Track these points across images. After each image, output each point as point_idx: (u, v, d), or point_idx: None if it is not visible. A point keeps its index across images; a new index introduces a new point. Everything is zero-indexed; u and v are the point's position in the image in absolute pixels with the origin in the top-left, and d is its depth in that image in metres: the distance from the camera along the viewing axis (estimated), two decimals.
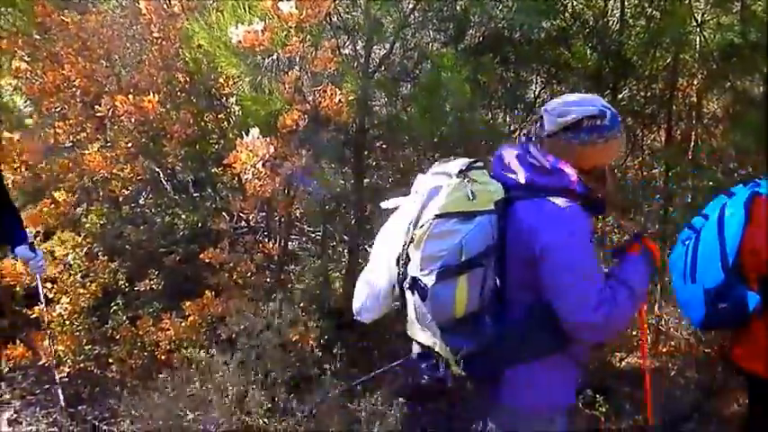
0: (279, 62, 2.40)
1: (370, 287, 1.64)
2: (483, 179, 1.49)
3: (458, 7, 3.58)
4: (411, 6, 3.36)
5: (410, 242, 1.48)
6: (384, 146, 3.88)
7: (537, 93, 4.03)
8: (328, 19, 2.96)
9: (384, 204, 1.76)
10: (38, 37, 3.75)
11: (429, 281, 1.43)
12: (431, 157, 3.99)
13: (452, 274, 1.42)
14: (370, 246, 4.82)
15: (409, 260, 1.49)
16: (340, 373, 3.51)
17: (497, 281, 1.53)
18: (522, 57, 3.66)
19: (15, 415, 3.33)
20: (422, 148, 3.79)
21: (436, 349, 1.54)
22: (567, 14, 3.78)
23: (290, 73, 2.42)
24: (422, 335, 1.57)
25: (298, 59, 2.41)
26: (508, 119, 4.31)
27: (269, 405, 3.13)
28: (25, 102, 3.79)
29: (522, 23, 3.51)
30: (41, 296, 2.69)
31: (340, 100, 2.44)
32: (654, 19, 3.72)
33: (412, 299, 1.50)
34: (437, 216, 1.43)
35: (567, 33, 3.69)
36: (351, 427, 3.09)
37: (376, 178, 4.27)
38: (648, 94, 4.03)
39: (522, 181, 1.52)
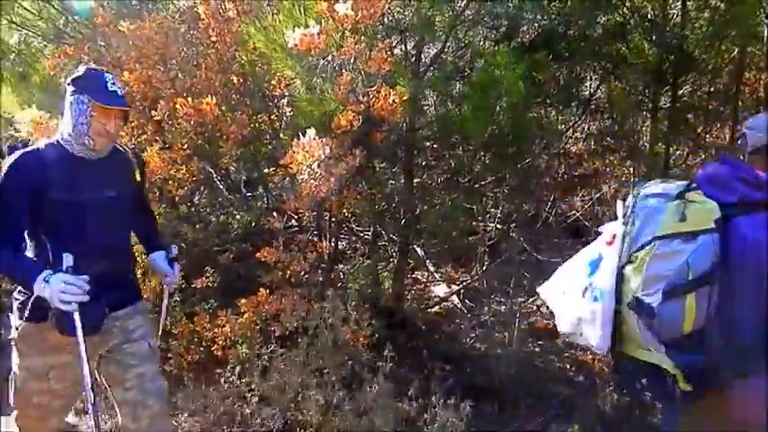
0: (333, 63, 2.42)
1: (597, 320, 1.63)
2: (700, 199, 1.54)
3: (510, 4, 3.53)
4: (463, 4, 3.33)
5: (627, 263, 1.55)
6: (435, 145, 3.86)
7: (592, 90, 3.92)
8: (381, 19, 2.96)
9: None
10: (101, 44, 3.91)
11: (654, 300, 1.48)
12: (482, 157, 3.95)
13: (680, 293, 1.47)
14: (419, 246, 4.84)
15: (623, 281, 1.55)
16: (390, 373, 3.52)
17: (721, 297, 1.54)
18: (577, 53, 3.57)
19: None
20: (473, 147, 3.75)
21: (663, 366, 1.56)
22: (624, 8, 3.67)
23: (344, 74, 2.43)
24: (641, 352, 1.60)
25: (352, 60, 2.42)
26: (562, 117, 4.22)
27: (322, 402, 3.17)
28: None
29: (578, 19, 3.43)
30: (164, 311, 2.45)
31: (393, 100, 2.44)
32: (719, 11, 3.56)
33: (631, 318, 1.55)
34: (659, 237, 1.50)
35: (624, 28, 3.57)
36: (404, 427, 3.08)
37: (426, 178, 4.26)
38: (712, 89, 3.87)
39: (738, 198, 1.55)
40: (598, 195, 4.53)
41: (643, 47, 3.55)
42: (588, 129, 4.35)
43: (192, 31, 3.70)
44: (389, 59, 2.41)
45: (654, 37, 3.58)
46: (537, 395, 3.65)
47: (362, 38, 2.32)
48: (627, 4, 3.65)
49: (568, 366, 4.06)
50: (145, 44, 3.53)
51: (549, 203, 4.80)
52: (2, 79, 3.85)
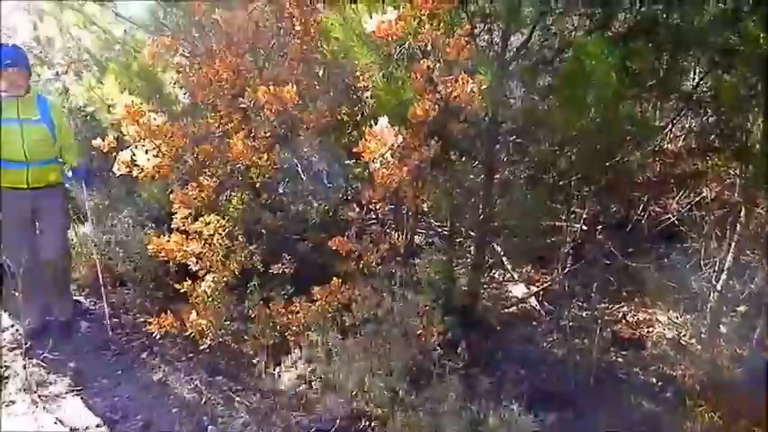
0: (411, 51, 2.36)
1: None
2: None
3: None
4: None
5: None
6: (518, 139, 3.70)
7: (696, 82, 3.59)
8: (464, 6, 2.87)
9: None
10: (196, 35, 4.09)
11: None
12: (568, 153, 3.75)
13: None
14: (498, 243, 4.70)
15: None
16: (461, 372, 3.43)
17: None
18: (680, 42, 3.27)
19: (163, 378, 3.66)
20: (559, 142, 3.57)
21: None
22: None
23: (421, 62, 2.37)
24: None
25: (430, 48, 2.35)
26: (660, 112, 3.91)
27: (389, 395, 3.15)
28: (184, 93, 4.13)
29: (683, 4, 3.15)
30: None
31: (472, 89, 2.34)
32: None
33: None
34: None
35: (736, 14, 3.23)
36: (471, 428, 2.99)
37: (507, 173, 4.11)
38: None
39: None
40: (698, 199, 4.17)
41: (757, 35, 3.19)
42: (689, 125, 4.00)
43: (279, 22, 3.78)
44: (469, 47, 2.32)
45: None
46: (617, 408, 3.44)
47: (440, 24, 2.25)
48: None
49: (654, 380, 3.78)
50: (236, 33, 3.65)
51: (641, 205, 4.49)
52: (107, 68, 4.12)
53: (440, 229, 4.67)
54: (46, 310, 4.04)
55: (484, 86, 2.36)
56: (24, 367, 3.50)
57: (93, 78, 4.14)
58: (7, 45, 3.88)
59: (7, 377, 3.44)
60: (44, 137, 3.74)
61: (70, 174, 3.95)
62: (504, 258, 4.98)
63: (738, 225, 3.69)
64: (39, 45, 6.88)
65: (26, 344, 3.64)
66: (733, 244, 3.74)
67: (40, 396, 3.32)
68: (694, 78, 3.62)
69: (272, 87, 2.95)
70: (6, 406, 3.20)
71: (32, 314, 3.86)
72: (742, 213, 3.66)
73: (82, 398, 3.36)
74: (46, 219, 3.87)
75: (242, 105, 3.53)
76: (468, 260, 4.34)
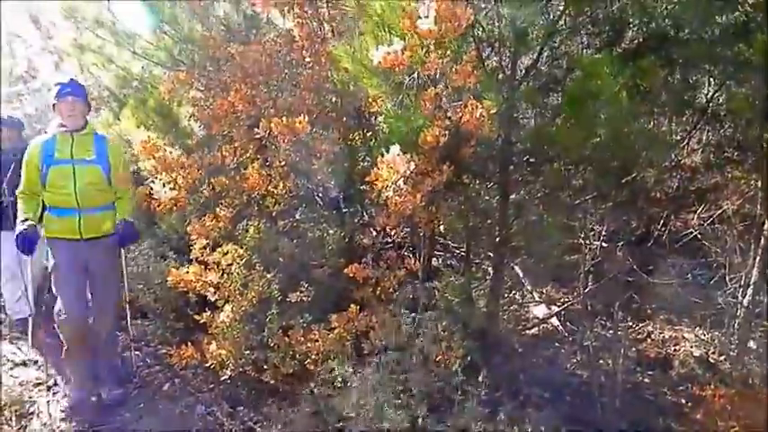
0: (419, 79, 2.39)
1: None
2: None
3: (614, 8, 3.31)
4: (560, 11, 3.17)
5: None
6: (531, 160, 3.69)
7: (710, 96, 3.55)
8: (471, 32, 2.89)
9: None
10: (211, 68, 4.18)
11: None
12: (582, 171, 3.72)
13: None
14: (516, 264, 4.65)
15: None
16: (482, 397, 3.38)
17: None
18: (690, 57, 3.25)
19: (186, 410, 3.66)
20: (571, 161, 3.54)
21: None
22: (747, 5, 3.30)
23: (429, 90, 2.39)
24: None
25: (437, 75, 2.37)
26: (674, 127, 3.88)
27: (409, 422, 3.11)
28: (200, 126, 4.21)
29: (691, 19, 3.14)
30: None
31: (481, 114, 2.35)
32: None
33: None
34: None
35: (747, 26, 3.21)
36: None
37: (522, 194, 4.09)
38: None
39: None
40: (719, 212, 4.10)
41: None
42: (706, 139, 3.96)
43: (291, 53, 3.85)
44: (476, 72, 2.33)
45: None
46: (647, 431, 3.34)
47: (447, 52, 2.27)
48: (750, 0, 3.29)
49: (684, 401, 3.68)
50: (250, 65, 3.73)
51: (661, 221, 4.42)
52: (125, 104, 4.22)
53: (457, 252, 4.64)
54: (94, 383, 3.62)
55: (493, 111, 2.37)
56: (48, 403, 3.54)
57: (111, 115, 4.24)
58: (69, 79, 3.67)
59: (32, 413, 3.48)
60: (98, 179, 3.42)
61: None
62: (523, 279, 4.93)
63: (762, 238, 3.61)
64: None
65: (48, 381, 3.70)
66: (758, 257, 3.66)
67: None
68: (708, 92, 3.59)
69: (284, 118, 2.99)
70: None
71: (78, 384, 3.54)
72: (765, 226, 3.58)
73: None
74: (99, 276, 3.50)
75: (257, 136, 3.59)
76: (487, 282, 4.30)
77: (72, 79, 3.53)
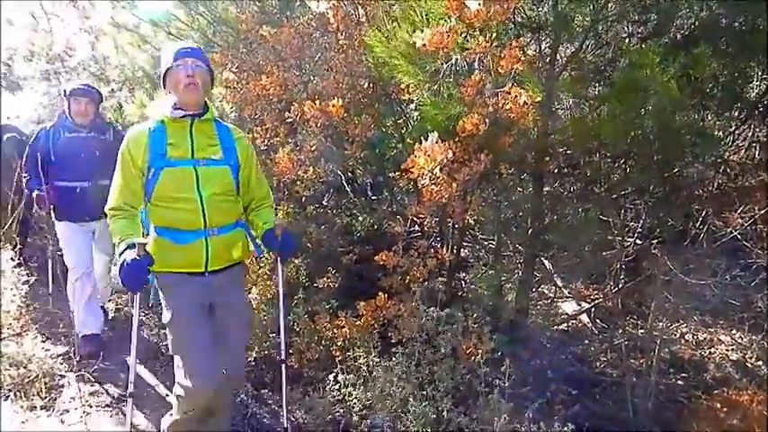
0: (458, 65, 2.31)
1: None
2: None
3: None
4: None
5: None
6: (569, 151, 3.58)
7: (762, 89, 3.39)
8: (513, 17, 2.80)
9: None
10: (244, 50, 4.16)
11: None
12: (622, 165, 3.61)
13: None
14: (547, 258, 4.55)
15: None
16: (509, 391, 3.32)
17: None
18: (743, 47, 3.10)
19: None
20: (612, 154, 3.43)
21: None
22: None
23: (472, 76, 2.31)
24: None
25: (479, 61, 2.29)
26: (721, 121, 3.71)
27: (434, 415, 3.07)
28: (232, 108, 4.20)
29: (746, 8, 2.98)
30: None
31: (525, 102, 2.27)
32: None
33: None
34: None
35: None
36: None
37: (557, 186, 3.99)
38: None
39: None
40: (763, 211, 3.93)
41: None
42: (754, 135, 3.79)
43: (325, 36, 3.80)
44: (522, 59, 2.24)
45: None
46: None
47: (492, 36, 2.18)
48: None
49: (719, 406, 3.56)
50: (283, 48, 3.69)
51: (701, 219, 4.27)
52: (156, 85, 4.23)
53: (486, 243, 4.56)
54: None
55: (537, 99, 2.29)
56: (77, 379, 3.59)
57: (145, 96, 4.25)
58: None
59: (62, 386, 3.53)
60: (228, 187, 2.41)
61: (261, 245, 2.62)
62: (553, 274, 4.83)
63: None
64: (96, 63, 7.20)
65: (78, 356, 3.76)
66: None
67: (91, 405, 3.39)
68: (759, 85, 3.42)
69: (317, 101, 2.94)
70: (60, 414, 3.27)
71: None
72: None
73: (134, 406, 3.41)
74: (230, 321, 2.50)
75: (288, 119, 3.56)
76: (517, 275, 4.22)
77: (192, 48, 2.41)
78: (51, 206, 3.90)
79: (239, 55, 4.10)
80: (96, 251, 4.07)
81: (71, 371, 3.68)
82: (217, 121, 2.47)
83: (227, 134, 2.46)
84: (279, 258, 2.73)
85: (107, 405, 3.42)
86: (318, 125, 3.07)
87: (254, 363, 3.70)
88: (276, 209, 3.90)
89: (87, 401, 3.40)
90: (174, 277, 2.39)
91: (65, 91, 4.00)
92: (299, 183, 3.75)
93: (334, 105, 2.87)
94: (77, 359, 3.82)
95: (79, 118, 3.92)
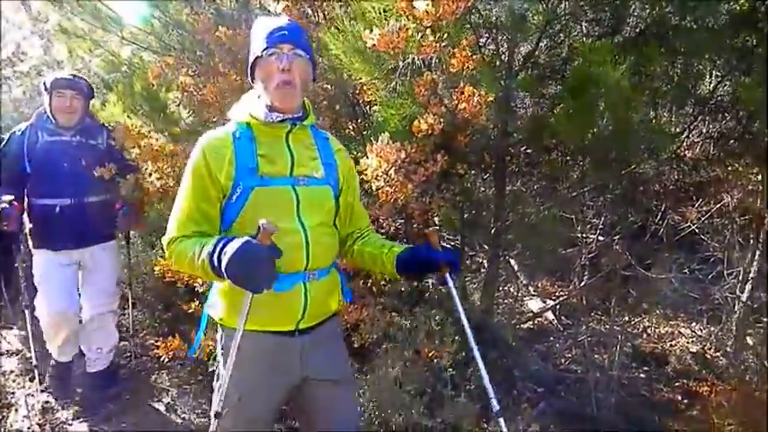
0: (412, 66, 2.29)
1: None
2: None
3: None
4: None
5: None
6: (528, 150, 3.60)
7: (713, 86, 3.46)
8: (468, 17, 2.79)
9: None
10: (201, 54, 4.06)
11: None
12: (580, 163, 3.64)
13: None
14: (512, 257, 4.57)
15: None
16: (476, 392, 3.32)
17: None
18: (694, 45, 3.16)
19: (172, 402, 3.59)
20: (570, 152, 3.46)
21: None
22: None
23: (425, 75, 2.30)
24: None
25: (433, 61, 2.27)
26: (676, 118, 3.79)
27: (400, 420, 3.04)
28: (189, 113, 4.10)
29: (696, 7, 3.04)
30: None
31: (478, 101, 2.26)
32: None
33: None
34: None
35: (754, 14, 3.11)
36: None
37: (519, 185, 4.01)
38: None
39: None
40: (719, 206, 4.02)
41: None
42: (707, 131, 3.87)
43: None
44: (474, 57, 2.23)
45: None
46: (640, 428, 3.28)
47: (444, 36, 2.17)
48: None
49: (679, 398, 3.62)
50: (240, 50, 3.61)
51: (659, 214, 4.35)
52: (111, 89, 4.11)
53: (451, 244, 4.56)
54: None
55: (490, 98, 2.28)
56: (31, 395, 3.46)
57: (97, 100, 4.11)
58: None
59: (13, 404, 3.40)
60: (331, 215, 1.88)
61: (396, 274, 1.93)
62: (518, 272, 4.86)
63: (762, 233, 3.54)
64: (48, 68, 6.98)
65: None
66: (757, 252, 3.59)
67: (45, 424, 3.26)
68: (711, 82, 3.50)
69: None
70: None
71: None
72: (766, 220, 3.51)
73: (89, 425, 3.30)
74: (327, 401, 1.89)
75: None
76: (482, 275, 4.23)
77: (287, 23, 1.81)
78: (26, 230, 3.23)
79: (196, 58, 4.00)
80: (86, 287, 3.39)
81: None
82: (313, 126, 1.92)
83: (327, 145, 1.91)
84: (450, 274, 1.87)
85: (62, 422, 3.30)
86: None
87: None
88: None
89: (42, 419, 3.28)
90: (252, 340, 1.70)
91: (44, 84, 3.28)
92: None
93: None
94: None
95: (63, 117, 3.21)
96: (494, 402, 1.80)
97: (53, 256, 3.20)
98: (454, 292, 1.91)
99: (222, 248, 1.53)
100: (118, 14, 4.11)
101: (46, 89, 3.25)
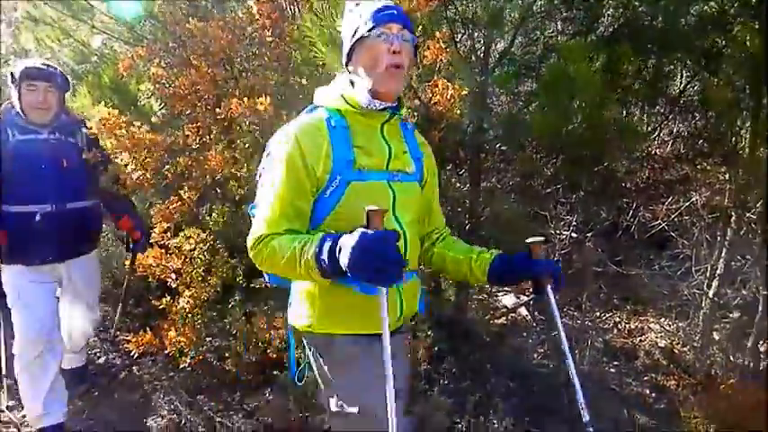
0: None
1: None
2: None
3: None
4: None
5: None
6: (503, 147, 3.63)
7: (682, 86, 3.53)
8: (444, 11, 2.80)
9: None
10: (173, 45, 3.99)
11: None
12: (554, 160, 3.68)
13: None
14: None
15: None
16: (449, 387, 3.34)
17: None
18: (665, 45, 3.22)
19: (143, 399, 3.53)
20: (544, 149, 3.50)
21: None
22: None
23: None
24: None
25: None
26: (647, 117, 3.86)
27: None
28: (161, 105, 4.03)
29: (667, 7, 3.10)
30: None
31: (452, 95, 2.26)
32: None
33: None
34: None
35: (723, 16, 3.18)
36: None
37: (495, 181, 4.04)
38: None
39: None
40: (687, 204, 4.10)
41: (744, 37, 3.14)
42: (677, 130, 3.95)
43: (258, 32, 3.69)
44: (448, 50, 2.23)
45: (758, 25, 3.16)
46: (611, 421, 3.34)
47: (419, 29, 2.17)
48: None
49: (648, 391, 3.69)
50: (211, 42, 3.56)
51: (631, 211, 4.42)
52: (81, 79, 4.02)
53: None
54: None
55: (464, 92, 2.28)
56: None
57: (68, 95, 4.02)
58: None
59: None
60: (420, 212, 1.83)
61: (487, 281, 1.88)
62: None
63: (729, 230, 3.63)
64: (17, 57, 6.78)
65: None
66: (724, 250, 3.67)
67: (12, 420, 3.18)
68: (681, 82, 3.57)
69: (246, 99, 2.85)
70: None
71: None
72: (733, 219, 3.60)
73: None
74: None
75: (220, 116, 3.44)
76: None
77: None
78: None
79: (168, 49, 3.94)
80: (70, 305, 3.09)
81: None
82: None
83: (413, 137, 1.81)
84: (551, 287, 1.79)
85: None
86: (247, 123, 2.98)
87: (189, 368, 3.57)
88: (210, 208, 3.78)
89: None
90: (356, 343, 1.63)
91: (12, 75, 2.85)
92: (233, 181, 3.63)
93: (262, 103, 2.78)
94: None
95: (35, 113, 2.83)
96: (584, 413, 1.81)
97: (30, 272, 2.84)
98: (555, 305, 1.81)
99: (333, 246, 1.40)
100: (88, 3, 4.01)
101: (14, 80, 2.86)
